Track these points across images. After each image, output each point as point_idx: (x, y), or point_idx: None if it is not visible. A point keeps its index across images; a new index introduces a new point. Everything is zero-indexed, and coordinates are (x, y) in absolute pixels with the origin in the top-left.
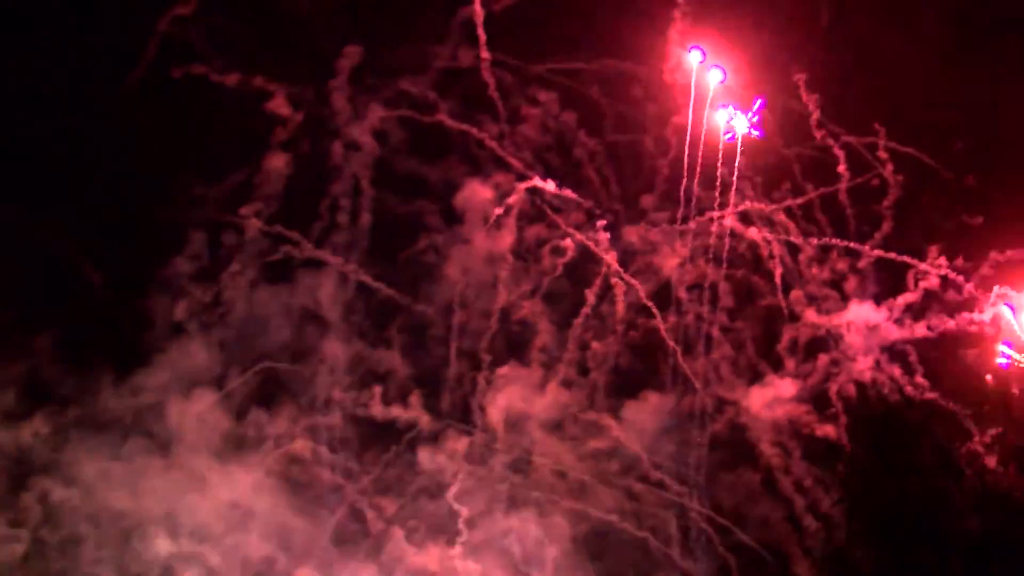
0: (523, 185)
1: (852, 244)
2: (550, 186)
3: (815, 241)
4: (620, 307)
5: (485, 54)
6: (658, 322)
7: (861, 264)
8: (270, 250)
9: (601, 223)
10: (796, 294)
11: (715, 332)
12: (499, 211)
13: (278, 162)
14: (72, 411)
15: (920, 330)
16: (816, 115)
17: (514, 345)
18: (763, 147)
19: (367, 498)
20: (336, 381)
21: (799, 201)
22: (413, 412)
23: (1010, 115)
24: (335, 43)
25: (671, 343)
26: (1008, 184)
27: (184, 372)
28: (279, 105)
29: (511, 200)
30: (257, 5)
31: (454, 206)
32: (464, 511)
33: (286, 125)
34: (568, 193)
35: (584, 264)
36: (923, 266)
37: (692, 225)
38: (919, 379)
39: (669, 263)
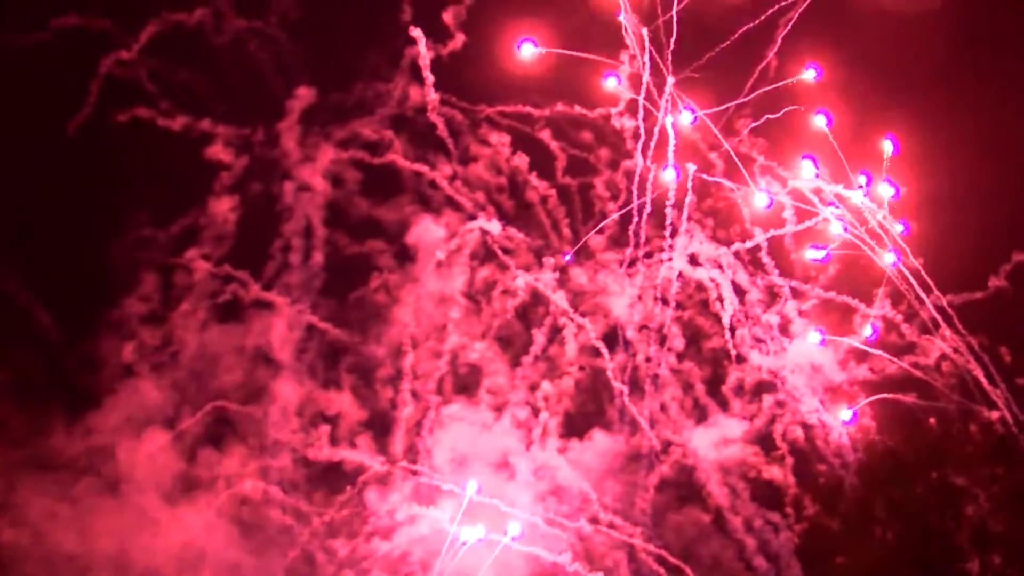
0: (470, 225)
1: (797, 285)
2: (496, 227)
3: (762, 281)
4: (570, 348)
5: (432, 96)
6: (606, 362)
7: (805, 306)
8: (220, 291)
9: (552, 263)
10: (742, 335)
11: (663, 372)
12: (448, 251)
13: (225, 204)
14: (21, 452)
15: (863, 372)
16: (762, 160)
17: (463, 386)
18: (713, 189)
19: (318, 540)
20: (286, 422)
21: (747, 245)
22: (361, 453)
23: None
24: (285, 84)
25: (619, 383)
26: (952, 229)
27: (134, 412)
28: (225, 148)
29: (460, 240)
30: (204, 47)
31: (405, 246)
32: (415, 552)
33: (231, 168)
34: (514, 233)
35: (535, 305)
36: (867, 309)
37: (641, 267)
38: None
39: (618, 304)
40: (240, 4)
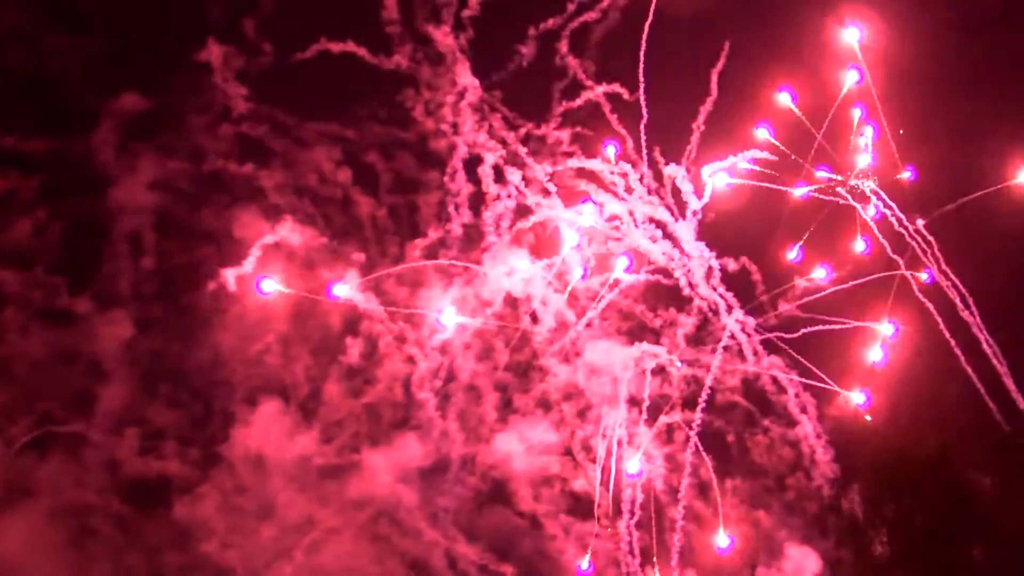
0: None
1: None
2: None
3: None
4: (382, 355)
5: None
6: (415, 370)
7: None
8: (44, 301)
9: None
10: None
11: (473, 381)
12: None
13: (43, 214)
14: None
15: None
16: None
17: (272, 392)
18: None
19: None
20: (106, 430)
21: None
22: (171, 462)
23: None
24: (105, 94)
25: (424, 393)
26: None
27: None
28: (40, 158)
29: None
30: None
31: (228, 254)
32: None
33: (48, 178)
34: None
35: (350, 310)
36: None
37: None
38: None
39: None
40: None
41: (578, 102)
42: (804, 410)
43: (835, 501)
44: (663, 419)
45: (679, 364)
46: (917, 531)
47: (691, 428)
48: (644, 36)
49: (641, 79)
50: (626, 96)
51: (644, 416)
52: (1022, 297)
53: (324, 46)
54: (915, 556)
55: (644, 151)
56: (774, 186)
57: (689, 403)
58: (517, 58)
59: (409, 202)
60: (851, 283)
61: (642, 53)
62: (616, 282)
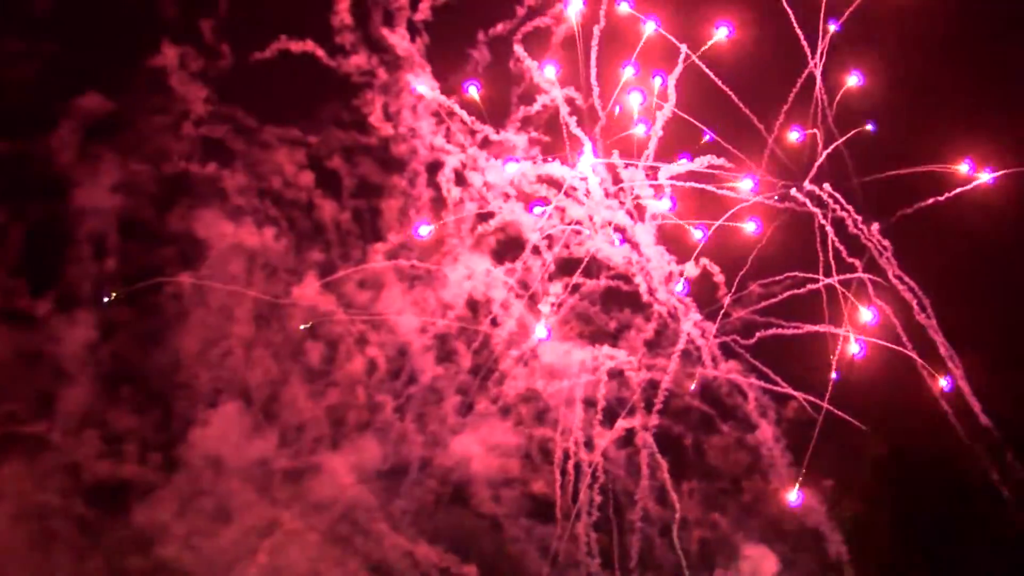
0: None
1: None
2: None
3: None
4: (343, 358)
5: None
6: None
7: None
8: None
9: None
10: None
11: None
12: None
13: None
14: None
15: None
16: None
17: (232, 394)
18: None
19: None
20: (68, 433)
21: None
22: (131, 465)
23: None
24: (64, 95)
25: (384, 395)
26: None
27: None
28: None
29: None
30: None
31: (193, 256)
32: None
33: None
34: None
35: (312, 312)
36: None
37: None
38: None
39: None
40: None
41: (535, 107)
42: (764, 414)
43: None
44: (621, 423)
45: (636, 363)
46: (875, 532)
47: (648, 431)
48: (595, 41)
49: (594, 83)
50: (579, 101)
51: (599, 417)
52: (979, 300)
53: (284, 45)
54: (871, 557)
55: (601, 155)
56: (728, 193)
57: (648, 407)
58: (472, 63)
59: (372, 207)
60: (807, 288)
61: (594, 57)
62: (577, 286)
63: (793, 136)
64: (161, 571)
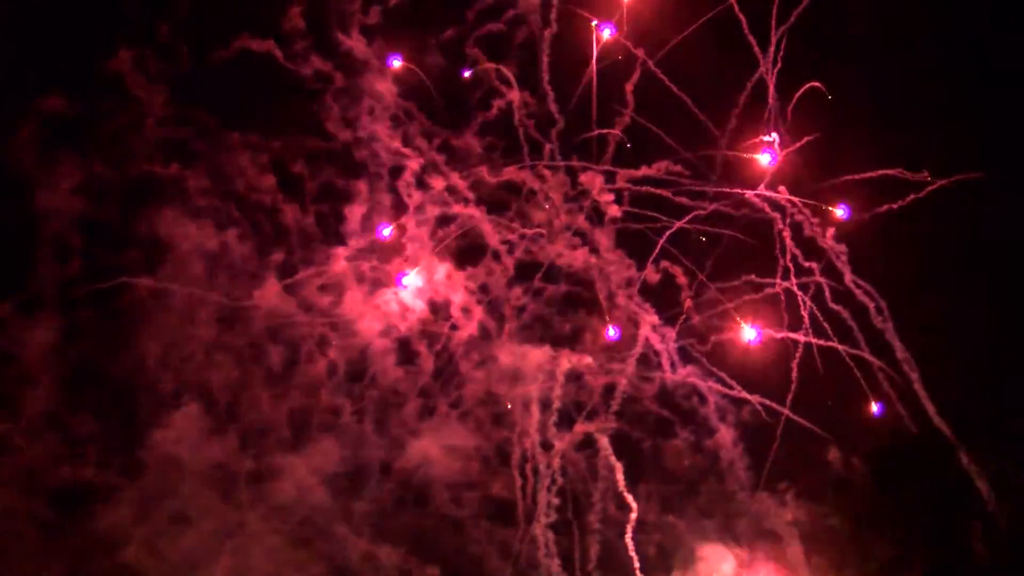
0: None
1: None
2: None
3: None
4: (304, 361)
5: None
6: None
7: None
8: None
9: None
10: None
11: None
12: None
13: None
14: None
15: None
16: None
17: (193, 397)
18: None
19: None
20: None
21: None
22: (91, 467)
23: None
24: (26, 97)
25: (344, 398)
26: None
27: None
28: None
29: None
30: None
31: (155, 258)
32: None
33: None
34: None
35: (273, 315)
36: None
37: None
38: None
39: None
40: None
41: (493, 111)
42: (723, 418)
43: (749, 505)
44: (578, 427)
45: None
46: (832, 532)
47: (605, 434)
48: (545, 44)
49: (547, 88)
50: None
51: (555, 419)
52: (936, 303)
53: (245, 44)
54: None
55: (559, 158)
56: (689, 202)
57: (604, 410)
58: (429, 68)
59: (335, 211)
60: (764, 292)
61: (545, 61)
62: (539, 289)
63: (749, 141)
64: (123, 574)
